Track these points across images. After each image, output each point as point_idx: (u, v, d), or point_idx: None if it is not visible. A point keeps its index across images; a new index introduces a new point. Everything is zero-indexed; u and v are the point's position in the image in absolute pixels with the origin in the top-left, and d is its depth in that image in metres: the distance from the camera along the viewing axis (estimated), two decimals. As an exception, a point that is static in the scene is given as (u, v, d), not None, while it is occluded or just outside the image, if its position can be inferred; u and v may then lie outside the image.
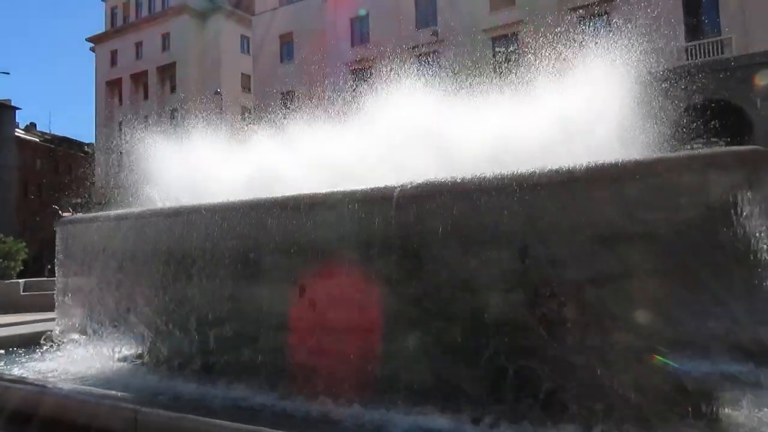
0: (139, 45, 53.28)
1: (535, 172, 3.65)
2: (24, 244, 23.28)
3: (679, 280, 3.40)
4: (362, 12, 36.17)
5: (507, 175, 3.64)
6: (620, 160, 3.36)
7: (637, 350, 3.45)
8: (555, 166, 3.64)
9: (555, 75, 7.51)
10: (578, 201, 3.50)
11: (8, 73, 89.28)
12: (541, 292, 3.78)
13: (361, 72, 33.07)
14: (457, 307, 3.93)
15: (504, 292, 3.87)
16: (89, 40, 57.07)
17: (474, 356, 3.87)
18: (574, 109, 6.49)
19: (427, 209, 4.00)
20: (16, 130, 62.35)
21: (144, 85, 53.25)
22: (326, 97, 23.76)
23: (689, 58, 25.32)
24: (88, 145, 65.75)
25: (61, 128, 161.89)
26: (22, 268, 23.03)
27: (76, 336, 6.58)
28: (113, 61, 55.05)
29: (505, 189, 3.62)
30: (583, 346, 3.59)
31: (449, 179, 3.93)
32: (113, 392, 4.00)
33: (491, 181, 3.71)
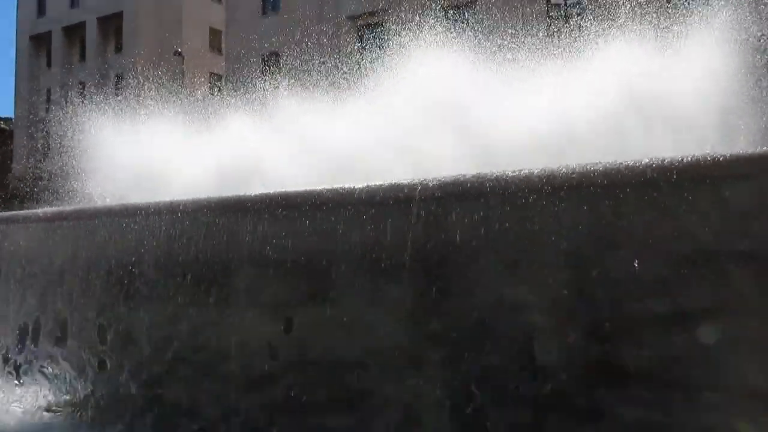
0: (75, -12, 53.95)
1: (599, 169, 3.62)
2: None
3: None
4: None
5: (557, 171, 3.63)
6: (723, 155, 3.34)
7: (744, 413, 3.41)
8: (630, 161, 3.62)
9: (630, 37, 7.53)
10: (665, 208, 3.48)
11: None
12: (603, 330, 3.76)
13: (369, 29, 33.19)
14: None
15: (555, 328, 3.86)
16: (10, -19, 57.91)
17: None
18: (655, 84, 6.49)
19: (457, 215, 4.01)
20: None
21: (81, 41, 53.80)
22: (322, 63, 23.88)
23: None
24: (5, 120, 66.47)
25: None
26: None
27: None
28: (41, 10, 55.70)
29: (557, 190, 3.61)
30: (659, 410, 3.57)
31: (487, 175, 3.92)
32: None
33: (535, 179, 3.70)
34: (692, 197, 3.40)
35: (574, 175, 3.68)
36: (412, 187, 4.21)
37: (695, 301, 3.52)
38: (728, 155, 3.45)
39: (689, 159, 3.38)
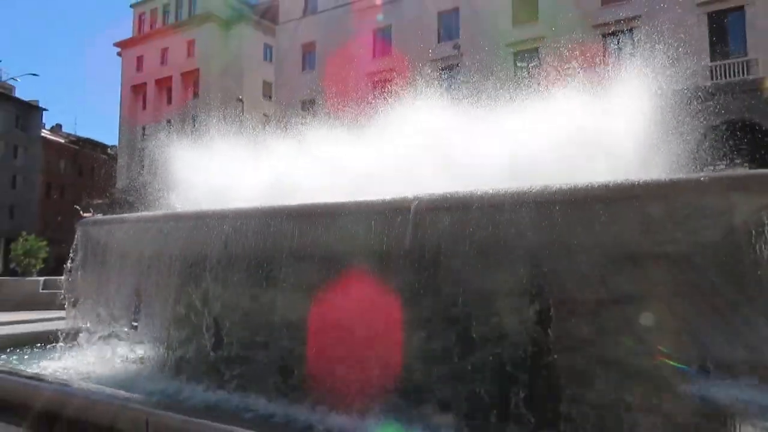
0: (164, 51, 54.16)
1: (553, 189, 3.59)
2: (45, 242, 23.63)
3: (703, 303, 3.32)
4: (380, 18, 36.42)
5: (525, 190, 3.59)
6: (642, 180, 3.30)
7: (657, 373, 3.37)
8: (573, 184, 3.58)
9: (576, 90, 7.47)
10: (599, 220, 3.43)
11: (37, 75, 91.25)
12: (557, 311, 3.72)
13: (381, 82, 33.18)
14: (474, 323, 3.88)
15: (518, 309, 3.81)
16: (117, 45, 58.24)
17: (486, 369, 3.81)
18: (595, 124, 6.43)
19: (445, 222, 3.96)
20: (42, 130, 63.52)
21: (168, 90, 54.01)
22: (346, 106, 23.89)
23: (714, 78, 25.01)
24: (111, 147, 66.84)
25: (85, 130, 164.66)
26: (42, 266, 23.37)
27: (90, 335, 6.64)
28: (139, 66, 56.01)
29: (523, 205, 3.56)
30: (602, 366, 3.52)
31: (468, 193, 3.89)
32: (125, 394, 4.01)
33: (509, 196, 3.66)
34: (622, 211, 3.38)
35: (532, 193, 3.65)
36: (409, 201, 4.19)
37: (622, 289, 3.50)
38: (649, 180, 3.41)
39: (617, 182, 3.34)
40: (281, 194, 7.02)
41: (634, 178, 3.33)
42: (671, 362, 3.45)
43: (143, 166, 47.40)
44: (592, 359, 3.73)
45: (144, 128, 53.59)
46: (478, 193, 3.76)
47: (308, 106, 36.92)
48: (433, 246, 4.09)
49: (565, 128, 6.47)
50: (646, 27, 24.56)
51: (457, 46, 32.78)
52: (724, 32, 25.47)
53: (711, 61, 25.50)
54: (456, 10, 34.06)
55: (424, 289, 4.15)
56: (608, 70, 7.48)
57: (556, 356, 3.76)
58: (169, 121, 51.05)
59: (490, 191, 3.67)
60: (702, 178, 3.14)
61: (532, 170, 5.43)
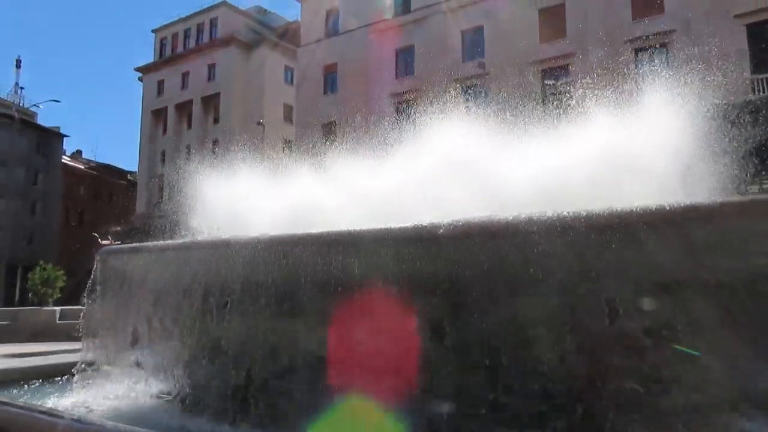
0: (185, 75, 55.51)
1: (585, 214, 3.52)
2: (62, 271, 24.09)
3: (750, 335, 3.21)
4: (403, 38, 36.85)
5: (553, 216, 3.53)
6: (685, 203, 3.23)
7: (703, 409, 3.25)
8: (609, 207, 3.51)
9: (609, 109, 7.42)
10: (638, 245, 3.36)
11: (59, 101, 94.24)
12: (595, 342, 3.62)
13: (404, 104, 33.47)
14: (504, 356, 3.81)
15: (553, 342, 3.72)
16: (138, 70, 59.94)
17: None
18: (630, 144, 6.36)
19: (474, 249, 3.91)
20: (63, 156, 65.27)
21: (188, 114, 55.25)
22: (368, 129, 24.11)
23: (756, 91, 24.62)
24: (131, 173, 68.34)
25: (105, 156, 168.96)
26: (59, 295, 23.78)
27: (107, 368, 6.69)
28: (160, 91, 57.48)
29: (556, 231, 3.50)
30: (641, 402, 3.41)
31: (495, 219, 3.84)
32: (143, 431, 4.01)
33: (538, 222, 3.60)
34: (660, 236, 3.30)
35: (566, 218, 3.59)
36: (437, 227, 4.16)
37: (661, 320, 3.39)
38: (690, 204, 3.33)
39: (655, 206, 3.27)
40: (302, 220, 7.07)
41: (676, 201, 3.26)
42: (714, 397, 3.34)
43: (163, 192, 48.37)
44: (633, 394, 3.62)
45: (164, 153, 54.79)
46: (509, 218, 3.71)
47: (330, 128, 37.38)
48: (462, 274, 4.04)
49: (598, 147, 6.41)
50: (681, 41, 24.41)
51: (481, 65, 32.97)
52: (765, 44, 25.10)
53: (752, 74, 25.13)
54: (480, 28, 34.36)
55: (452, 321, 4.09)
56: (642, 86, 7.43)
57: (593, 390, 3.65)
58: (188, 146, 52.12)
59: (522, 217, 3.63)
60: (750, 200, 3.05)
61: (563, 193, 5.38)
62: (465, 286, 3.97)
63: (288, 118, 50.40)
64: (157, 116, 57.56)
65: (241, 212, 8.66)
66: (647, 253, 3.36)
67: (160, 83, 57.56)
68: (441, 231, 3.99)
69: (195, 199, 9.49)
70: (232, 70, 52.16)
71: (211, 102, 53.34)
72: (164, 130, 56.93)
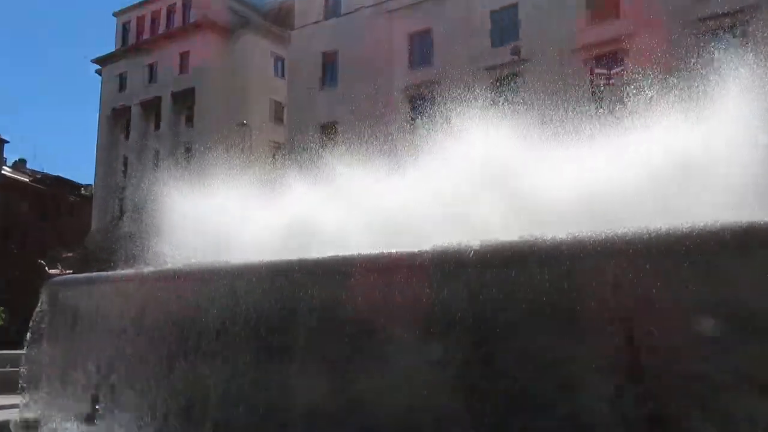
0: (152, 67, 56.23)
1: (657, 232, 3.52)
2: (1, 308, 24.20)
3: None
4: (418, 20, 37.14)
5: (616, 234, 3.53)
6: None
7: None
8: (686, 224, 3.50)
9: (672, 103, 7.46)
10: (722, 272, 3.34)
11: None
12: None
13: (420, 100, 33.68)
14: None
15: (605, 389, 3.70)
16: (95, 61, 60.72)
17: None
18: (700, 148, 6.38)
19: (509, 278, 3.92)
20: (3, 167, 65.64)
21: (156, 114, 55.79)
22: (376, 131, 24.25)
23: None
24: (85, 186, 68.91)
25: (55, 166, 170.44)
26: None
27: (54, 427, 6.70)
28: (121, 86, 58.18)
29: (613, 253, 3.50)
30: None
31: (538, 239, 3.86)
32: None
33: (594, 242, 3.60)
34: (742, 262, 3.26)
35: (628, 238, 3.58)
36: (462, 251, 4.17)
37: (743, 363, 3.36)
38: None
39: (742, 224, 3.23)
40: (299, 242, 7.10)
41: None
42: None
43: (124, 210, 48.72)
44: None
45: (126, 162, 55.26)
46: (554, 239, 3.72)
47: (329, 130, 37.60)
48: (491, 307, 4.05)
49: (661, 153, 6.44)
50: (758, 22, 24.39)
51: (516, 51, 33.14)
52: None
53: None
54: (513, 6, 34.54)
55: (479, 363, 4.09)
56: (710, 77, 7.46)
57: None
58: (156, 153, 52.60)
59: (569, 237, 3.64)
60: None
61: (619, 207, 5.39)
62: (499, 324, 3.97)
63: (278, 117, 50.82)
64: (118, 117, 58.17)
65: (222, 233, 8.72)
66: (735, 283, 3.34)
67: (122, 77, 58.28)
68: (470, 254, 4.00)
69: (164, 218, 9.56)
70: (209, 60, 52.77)
71: (184, 99, 53.87)
72: (127, 134, 57.49)
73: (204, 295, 5.43)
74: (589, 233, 3.64)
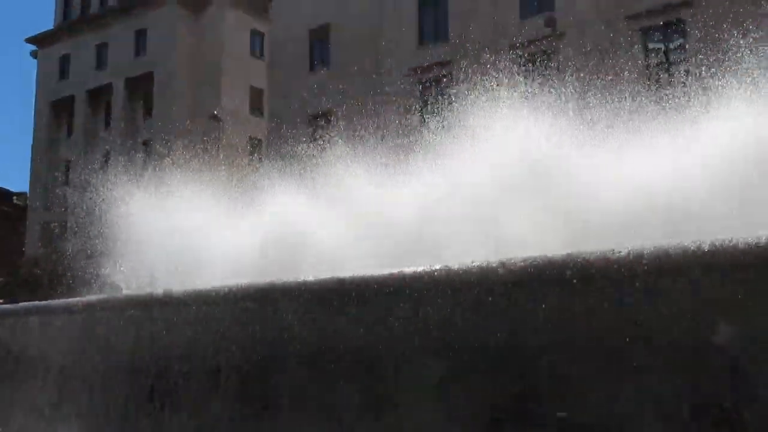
0: (102, 48, 56.45)
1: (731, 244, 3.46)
2: None
3: None
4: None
5: (706, 246, 3.45)
6: None
7: None
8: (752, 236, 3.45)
9: (752, 82, 7.45)
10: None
11: None
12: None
13: (432, 83, 33.71)
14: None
15: None
16: (30, 41, 60.95)
17: None
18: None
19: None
20: None
21: (106, 106, 56.01)
22: (379, 123, 24.28)
23: None
24: (18, 195, 69.10)
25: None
26: None
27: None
28: (63, 72, 58.40)
29: (704, 269, 3.44)
30: None
31: (596, 254, 3.79)
32: None
33: (676, 254, 3.53)
34: None
35: (724, 250, 3.50)
36: (490, 268, 4.13)
37: None
38: None
39: None
40: (285, 259, 7.06)
41: None
42: None
43: (67, 224, 48.83)
44: None
45: (68, 165, 55.31)
46: (613, 254, 3.66)
47: (321, 122, 37.67)
48: (529, 339, 4.02)
49: (738, 142, 6.41)
50: None
51: (551, 22, 33.14)
52: None
53: None
54: (547, -33, 34.59)
55: (514, 409, 4.05)
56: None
57: None
58: (107, 153, 52.65)
59: (642, 249, 3.58)
60: None
61: (694, 208, 5.36)
62: (538, 359, 3.92)
63: (257, 107, 50.99)
64: (59, 110, 58.40)
65: (189, 251, 8.69)
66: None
67: (64, 61, 58.49)
68: (500, 271, 3.95)
69: (118, 234, 9.54)
70: (172, 38, 53.02)
71: (140, 86, 54.06)
72: (69, 130, 57.71)
73: (161, 328, 5.39)
74: (670, 243, 3.59)
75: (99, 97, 56.30)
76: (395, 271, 4.57)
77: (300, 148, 14.60)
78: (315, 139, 25.12)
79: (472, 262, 4.22)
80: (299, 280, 5.03)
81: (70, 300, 6.88)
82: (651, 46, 29.86)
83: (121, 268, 9.38)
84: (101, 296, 7.33)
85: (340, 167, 9.58)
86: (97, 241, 10.11)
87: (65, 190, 51.80)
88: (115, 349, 5.72)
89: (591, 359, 3.74)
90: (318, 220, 8.45)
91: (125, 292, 7.91)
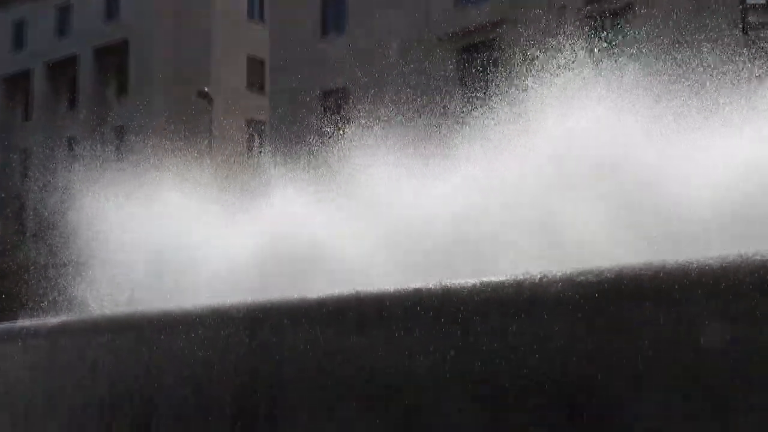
0: (64, 12, 56.70)
1: None
2: None
3: None
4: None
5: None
6: None
7: None
8: None
9: None
10: None
11: None
12: None
13: (473, 53, 33.55)
14: None
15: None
16: (-23, 2, 61.39)
17: None
18: None
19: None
20: None
21: (70, 82, 56.18)
22: (407, 100, 24.20)
23: None
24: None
25: None
26: None
27: None
28: (17, 41, 58.72)
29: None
30: None
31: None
32: None
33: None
34: None
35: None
36: (551, 279, 4.14)
37: None
38: None
39: None
40: (290, 274, 7.08)
41: None
42: None
43: (24, 227, 49.07)
44: None
45: (25, 155, 55.63)
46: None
47: (336, 99, 37.63)
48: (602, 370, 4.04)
49: None
50: None
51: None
52: None
53: None
54: None
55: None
56: None
57: None
58: (70, 140, 52.87)
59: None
60: None
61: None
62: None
63: (256, 83, 51.01)
64: (12, 87, 58.81)
65: (172, 261, 8.72)
66: None
67: (19, 27, 58.83)
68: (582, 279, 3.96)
69: (86, 240, 9.59)
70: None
71: (112, 58, 54.25)
72: (26, 111, 58.01)
73: (144, 356, 5.44)
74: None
75: (61, 71, 56.48)
76: (433, 284, 4.57)
77: (310, 132, 14.66)
78: (329, 122, 25.10)
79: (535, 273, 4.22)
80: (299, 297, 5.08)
81: (28, 322, 6.96)
82: (750, 18, 29.58)
83: (90, 282, 9.43)
84: (66, 317, 7.39)
85: (361, 157, 9.57)
86: (60, 248, 10.19)
87: (21, 187, 52.07)
88: (91, 379, 5.79)
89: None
90: (334, 225, 8.46)
91: (97, 311, 7.99)
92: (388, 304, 4.74)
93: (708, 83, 8.57)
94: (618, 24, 30.82)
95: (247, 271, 8.05)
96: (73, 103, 55.77)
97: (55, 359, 6.11)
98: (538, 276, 4.16)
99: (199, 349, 5.35)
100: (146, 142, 33.56)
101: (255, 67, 51.44)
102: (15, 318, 8.60)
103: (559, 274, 4.13)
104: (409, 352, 4.53)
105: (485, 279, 4.36)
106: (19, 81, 58.15)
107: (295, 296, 5.27)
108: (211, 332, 5.37)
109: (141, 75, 52.50)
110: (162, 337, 5.55)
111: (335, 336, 4.87)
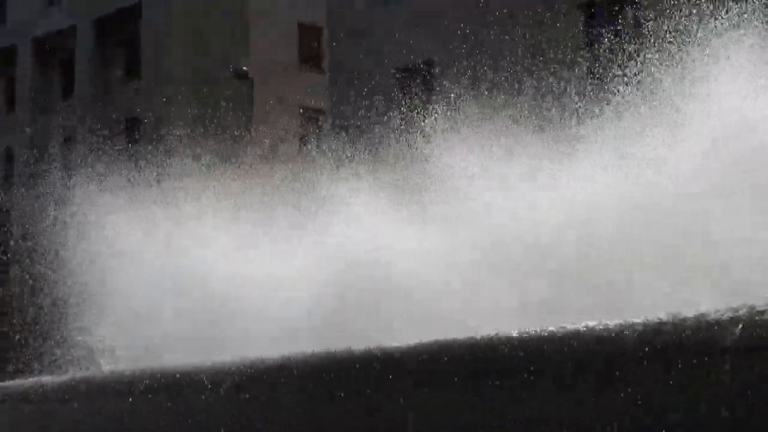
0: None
1: None
2: None
3: None
4: None
5: None
6: None
7: None
8: None
9: None
10: None
11: None
12: None
13: (603, 13, 33.54)
14: None
15: None
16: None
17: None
18: None
19: None
20: None
21: (66, 62, 57.20)
22: (514, 75, 24.20)
23: None
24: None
25: None
26: None
27: None
28: (1, 13, 59.93)
29: None
30: None
31: None
32: None
33: None
34: None
35: None
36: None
37: None
38: None
39: None
40: (363, 311, 7.13)
41: None
42: None
43: (8, 246, 49.96)
44: None
45: (10, 154, 56.73)
46: None
47: (416, 79, 37.73)
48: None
49: None
50: None
51: None
52: None
53: None
54: None
55: None
56: None
57: None
58: (69, 136, 53.66)
59: None
60: None
61: None
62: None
63: (311, 57, 51.33)
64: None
65: (204, 297, 8.81)
66: None
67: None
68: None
69: (87, 264, 9.73)
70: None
71: (119, 30, 54.95)
72: (11, 102, 59.19)
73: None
74: None
75: (55, 47, 57.40)
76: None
77: (384, 123, 14.71)
78: (408, 108, 25.04)
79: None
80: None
81: (24, 381, 7.11)
82: None
83: (96, 322, 9.53)
84: (66, 377, 7.50)
85: (451, 155, 9.58)
86: (58, 278, 10.35)
87: (6, 195, 52.83)
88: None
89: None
90: (417, 249, 8.49)
91: (107, 368, 8.12)
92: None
93: None
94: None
95: (311, 306, 8.10)
96: (68, 87, 56.49)
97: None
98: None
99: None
100: (165, 137, 33.83)
101: (309, 36, 51.72)
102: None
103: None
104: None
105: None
106: (1, 61, 59.24)
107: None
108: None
109: (156, 51, 52.75)
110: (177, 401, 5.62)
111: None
